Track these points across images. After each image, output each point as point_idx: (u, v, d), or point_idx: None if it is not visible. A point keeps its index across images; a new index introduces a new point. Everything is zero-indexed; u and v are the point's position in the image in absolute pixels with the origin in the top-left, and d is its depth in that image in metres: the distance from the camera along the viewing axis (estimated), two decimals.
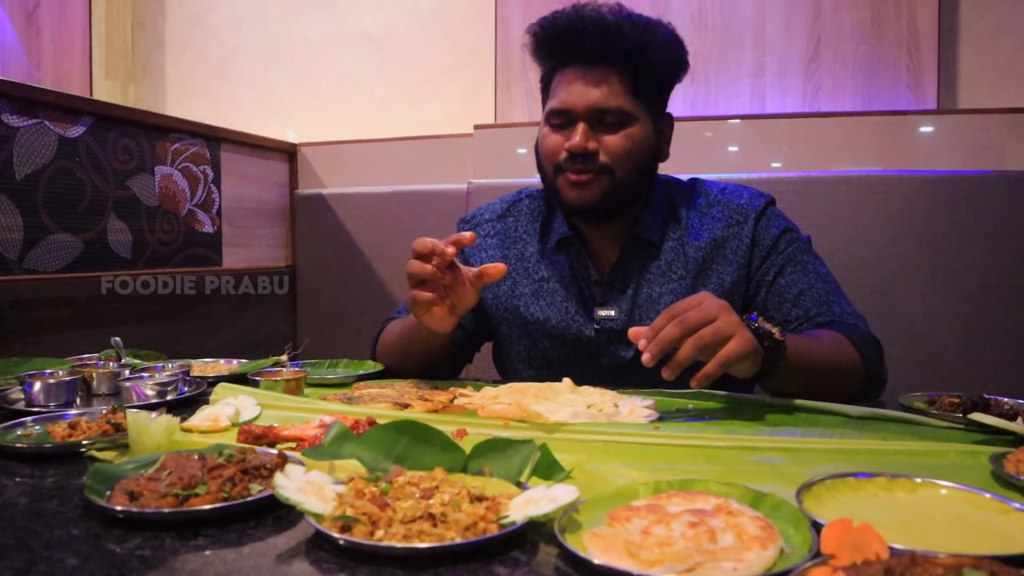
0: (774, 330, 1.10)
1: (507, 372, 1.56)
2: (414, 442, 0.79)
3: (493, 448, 0.77)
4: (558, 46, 1.36)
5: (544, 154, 1.39)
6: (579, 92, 1.32)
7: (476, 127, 2.39)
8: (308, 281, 2.54)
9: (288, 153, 2.59)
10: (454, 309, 1.23)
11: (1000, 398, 1.18)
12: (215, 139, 2.20)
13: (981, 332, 1.93)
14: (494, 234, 1.52)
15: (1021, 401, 1.09)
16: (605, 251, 1.44)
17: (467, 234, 1.18)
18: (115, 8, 2.90)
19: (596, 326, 1.41)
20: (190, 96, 3.02)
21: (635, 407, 1.14)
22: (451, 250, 1.16)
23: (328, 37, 2.83)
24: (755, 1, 2.26)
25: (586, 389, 1.23)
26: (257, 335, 2.30)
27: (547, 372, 1.42)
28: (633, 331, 1.10)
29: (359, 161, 2.63)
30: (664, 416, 1.11)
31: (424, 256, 1.18)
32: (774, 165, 2.21)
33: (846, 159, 2.13)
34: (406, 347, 1.41)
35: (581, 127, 1.31)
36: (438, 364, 1.42)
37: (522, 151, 2.33)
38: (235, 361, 1.48)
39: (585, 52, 1.32)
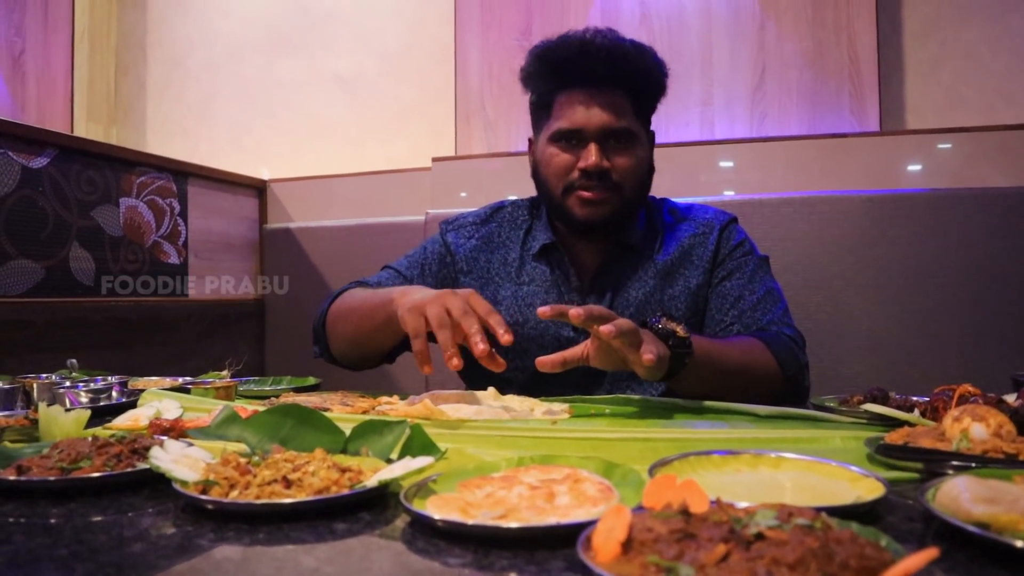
0: (678, 328, 1.14)
1: (478, 379, 1.55)
2: (298, 424, 0.83)
3: (370, 429, 0.81)
4: (568, 70, 1.38)
5: (553, 173, 1.41)
6: (590, 113, 1.36)
7: (434, 160, 2.46)
8: (276, 313, 2.60)
9: (258, 188, 2.66)
10: None
11: (912, 397, 1.21)
12: (182, 173, 2.27)
13: (928, 346, 1.96)
14: (477, 237, 1.55)
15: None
16: (587, 259, 1.48)
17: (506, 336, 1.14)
18: (98, 54, 3.02)
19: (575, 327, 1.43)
20: (170, 137, 3.12)
21: (550, 410, 1.18)
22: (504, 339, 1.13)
23: (301, 80, 2.94)
24: (701, 33, 2.35)
25: (509, 397, 1.27)
26: (224, 365, 2.33)
27: (524, 374, 1.41)
28: (540, 360, 1.13)
29: (326, 196, 2.71)
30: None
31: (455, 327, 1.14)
32: (727, 192, 2.27)
33: (792, 181, 2.19)
34: (362, 319, 1.36)
35: (594, 147, 1.35)
36: (382, 347, 1.40)
37: (480, 181, 2.41)
38: (180, 379, 1.52)
39: (596, 75, 1.36)
